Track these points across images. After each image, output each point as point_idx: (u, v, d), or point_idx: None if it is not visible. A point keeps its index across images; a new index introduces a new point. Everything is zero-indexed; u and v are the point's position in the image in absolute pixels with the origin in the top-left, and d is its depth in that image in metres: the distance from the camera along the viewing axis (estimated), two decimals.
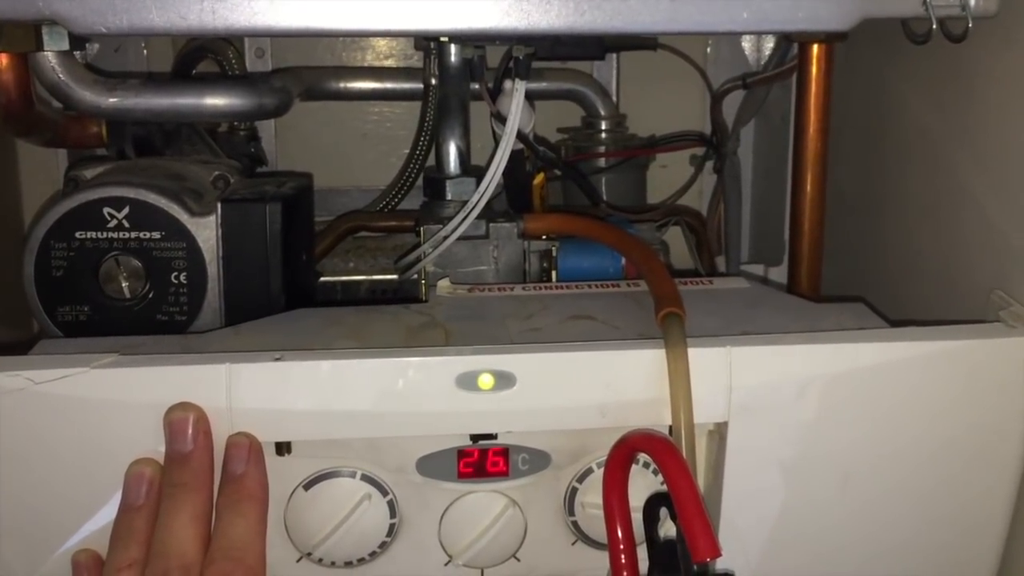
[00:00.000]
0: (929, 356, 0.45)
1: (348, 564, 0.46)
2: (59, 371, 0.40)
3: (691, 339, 0.43)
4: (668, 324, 0.44)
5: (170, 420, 0.41)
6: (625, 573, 0.43)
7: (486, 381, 0.42)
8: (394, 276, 0.64)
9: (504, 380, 0.43)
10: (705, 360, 0.43)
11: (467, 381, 0.42)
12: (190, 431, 0.40)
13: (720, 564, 0.43)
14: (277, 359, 0.42)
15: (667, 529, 0.44)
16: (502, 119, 0.57)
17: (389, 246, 0.70)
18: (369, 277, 0.66)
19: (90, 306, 0.50)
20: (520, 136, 0.58)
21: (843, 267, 0.71)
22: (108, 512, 0.42)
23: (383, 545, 0.46)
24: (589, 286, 0.54)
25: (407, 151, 0.75)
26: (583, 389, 0.43)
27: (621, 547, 0.43)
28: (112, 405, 0.41)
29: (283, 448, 0.43)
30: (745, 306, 0.51)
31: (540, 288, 0.54)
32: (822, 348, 0.44)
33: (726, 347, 0.44)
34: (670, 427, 0.43)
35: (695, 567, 0.40)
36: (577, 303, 0.51)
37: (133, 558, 0.40)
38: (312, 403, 0.42)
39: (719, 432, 0.45)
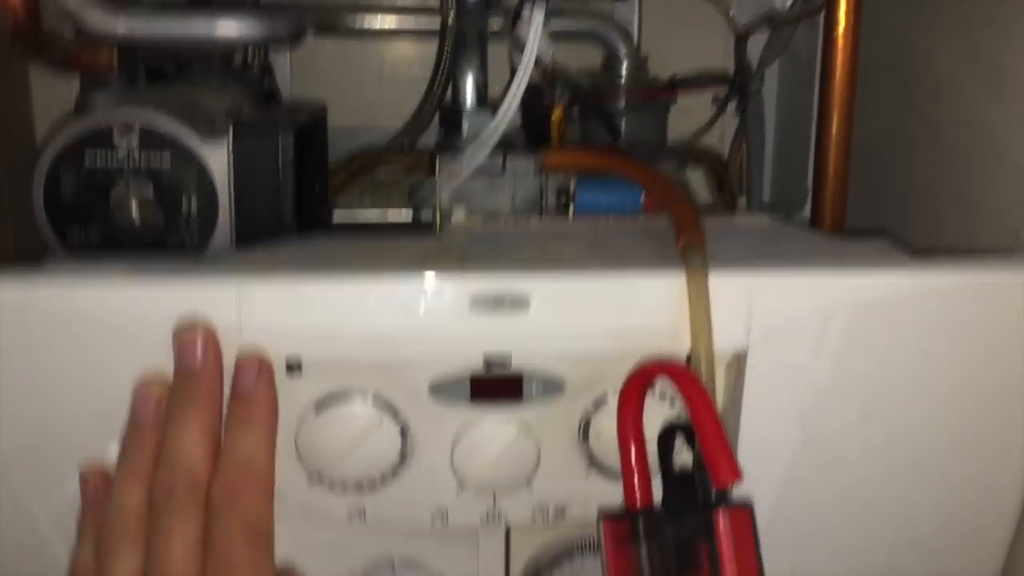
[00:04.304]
0: (954, 289, 0.44)
1: (359, 489, 0.45)
2: (66, 285, 0.40)
3: (712, 267, 0.42)
4: (689, 251, 0.43)
5: (179, 337, 0.40)
6: (639, 500, 0.42)
7: (501, 303, 0.42)
8: (408, 211, 0.63)
9: (519, 303, 0.42)
10: (726, 288, 0.42)
11: (481, 303, 0.42)
12: (199, 348, 0.40)
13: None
14: (289, 278, 0.41)
15: (683, 461, 0.44)
16: (520, 47, 0.56)
17: (404, 185, 0.68)
18: (383, 211, 0.65)
19: (99, 231, 0.49)
20: (539, 64, 0.57)
21: (867, 211, 0.69)
22: (118, 434, 0.42)
23: (394, 470, 0.45)
24: (608, 220, 0.53)
25: (423, 89, 0.74)
26: (600, 314, 0.42)
27: (635, 474, 0.42)
28: (120, 321, 0.40)
29: (293, 368, 0.43)
30: (767, 240, 0.50)
31: (557, 221, 0.53)
32: (845, 278, 0.43)
33: (747, 275, 0.42)
34: (688, 357, 0.42)
35: (714, 493, 0.40)
36: (595, 236, 0.50)
37: (141, 470, 0.40)
38: (324, 323, 0.41)
39: (737, 364, 0.44)
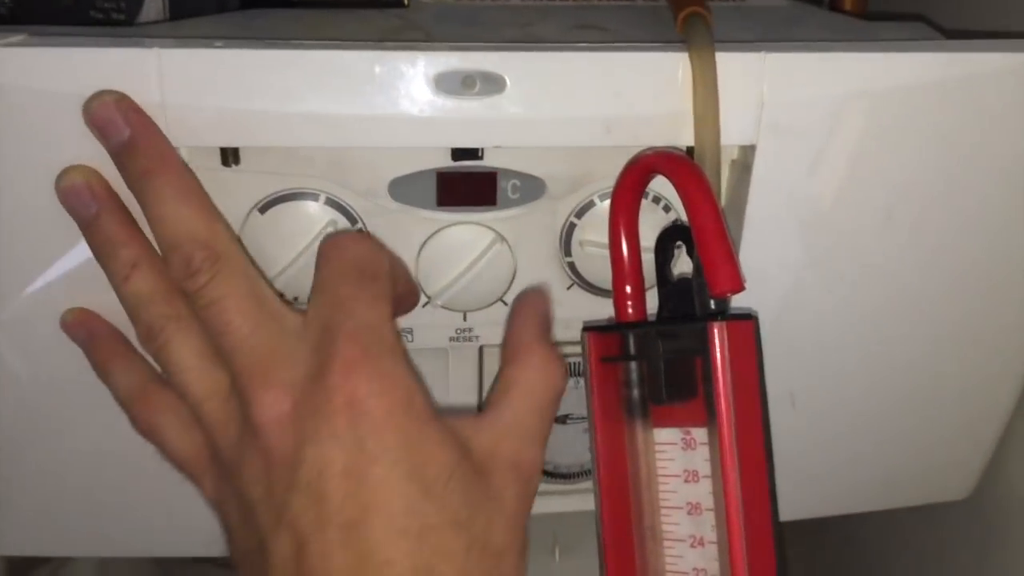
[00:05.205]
0: (996, 71, 0.37)
1: None
2: None
3: (719, 45, 0.36)
4: (691, 24, 0.36)
5: (91, 112, 0.33)
6: (630, 311, 0.37)
7: (470, 83, 0.35)
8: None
9: (492, 83, 0.35)
10: (733, 68, 0.36)
11: (448, 83, 0.35)
12: (118, 115, 0.33)
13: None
14: (221, 46, 0.35)
15: (681, 269, 0.39)
16: None
17: None
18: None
19: (10, 2, 0.43)
20: None
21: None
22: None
23: None
24: (599, 1, 0.46)
25: None
26: (587, 98, 0.36)
27: (626, 281, 0.37)
28: (21, 92, 0.34)
29: (229, 157, 0.37)
30: (783, 23, 0.43)
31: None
32: (871, 58, 0.37)
33: (760, 53, 0.36)
34: (688, 149, 0.37)
35: (712, 302, 0.35)
36: (584, 14, 0.43)
37: (135, 256, 0.34)
38: (263, 102, 0.35)
39: (743, 161, 0.39)
